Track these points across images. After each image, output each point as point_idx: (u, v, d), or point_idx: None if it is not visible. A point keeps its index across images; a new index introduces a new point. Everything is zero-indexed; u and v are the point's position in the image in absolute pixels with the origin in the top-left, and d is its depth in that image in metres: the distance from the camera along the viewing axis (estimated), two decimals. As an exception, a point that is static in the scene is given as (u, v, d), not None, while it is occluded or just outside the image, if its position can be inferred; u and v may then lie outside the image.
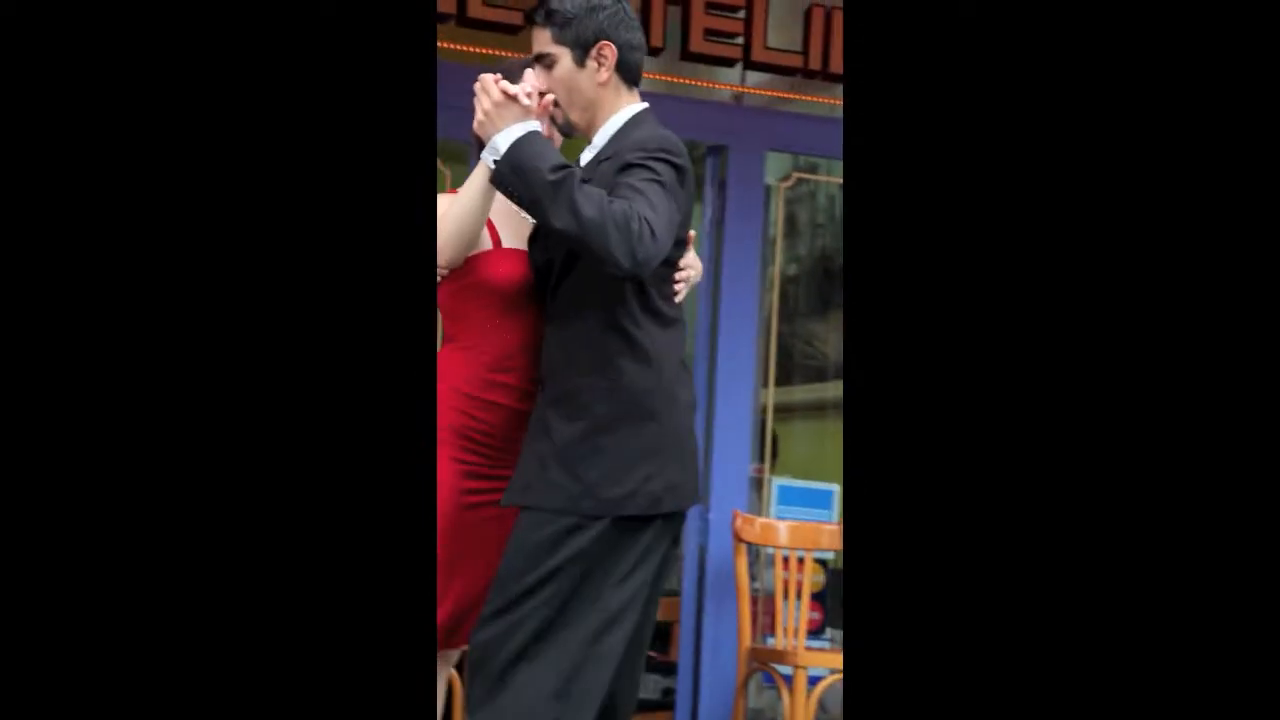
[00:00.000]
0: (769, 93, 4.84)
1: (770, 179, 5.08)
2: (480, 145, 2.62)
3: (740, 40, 4.50)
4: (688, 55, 4.52)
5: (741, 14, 4.50)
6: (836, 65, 4.65)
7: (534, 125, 2.46)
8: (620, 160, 2.52)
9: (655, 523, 2.56)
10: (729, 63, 4.55)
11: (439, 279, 2.71)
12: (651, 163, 2.48)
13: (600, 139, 2.64)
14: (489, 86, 2.47)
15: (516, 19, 4.26)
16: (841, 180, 5.61)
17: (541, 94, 2.58)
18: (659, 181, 2.49)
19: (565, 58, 2.58)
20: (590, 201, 2.39)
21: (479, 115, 2.49)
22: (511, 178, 2.44)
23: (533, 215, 2.49)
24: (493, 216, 2.69)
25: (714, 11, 4.48)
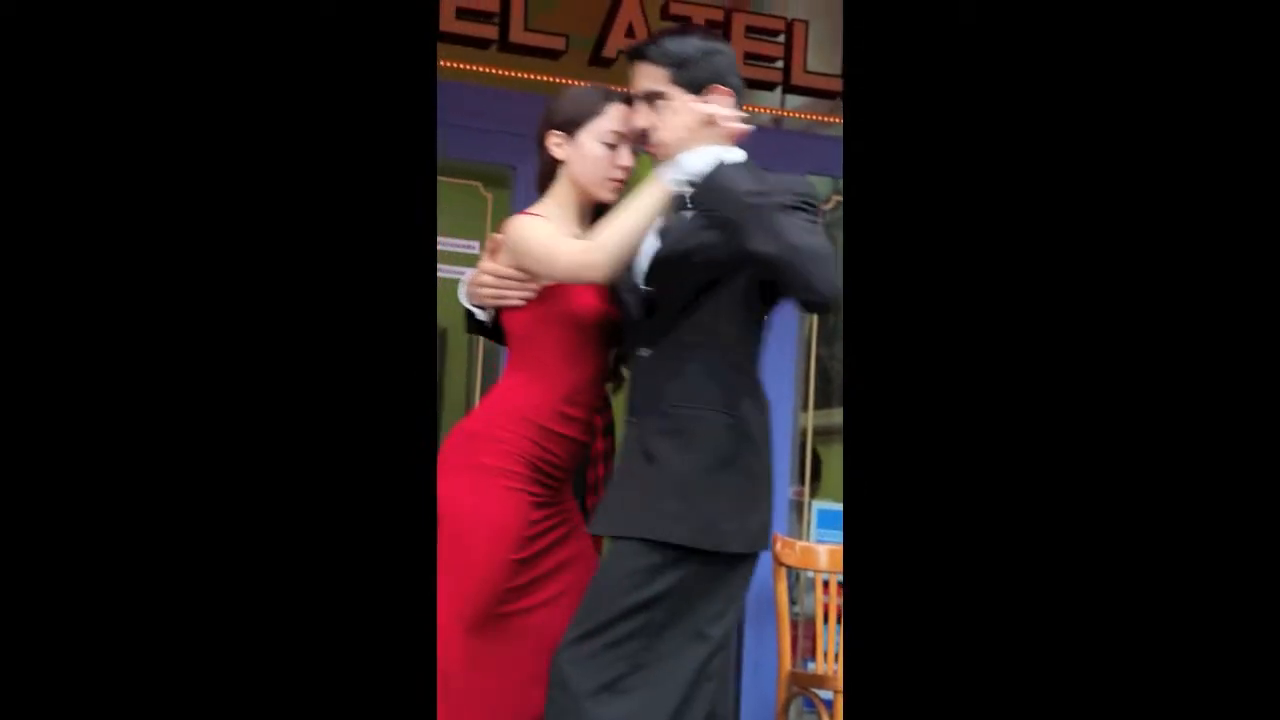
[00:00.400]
0: (809, 116, 4.83)
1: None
2: (549, 166, 2.63)
3: (780, 64, 4.48)
4: None
5: (781, 38, 4.48)
6: None
7: (737, 153, 2.47)
8: (776, 200, 2.46)
9: (751, 559, 2.58)
10: (769, 86, 4.50)
11: (519, 304, 2.65)
12: (806, 206, 2.48)
13: (689, 158, 2.60)
14: (686, 106, 2.48)
15: (558, 44, 4.28)
16: None
17: (644, 132, 2.57)
18: (817, 225, 2.51)
19: (679, 99, 2.59)
20: (793, 228, 2.37)
21: (664, 134, 2.49)
22: (712, 197, 2.42)
23: (728, 235, 2.45)
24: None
25: (754, 36, 4.46)
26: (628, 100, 2.61)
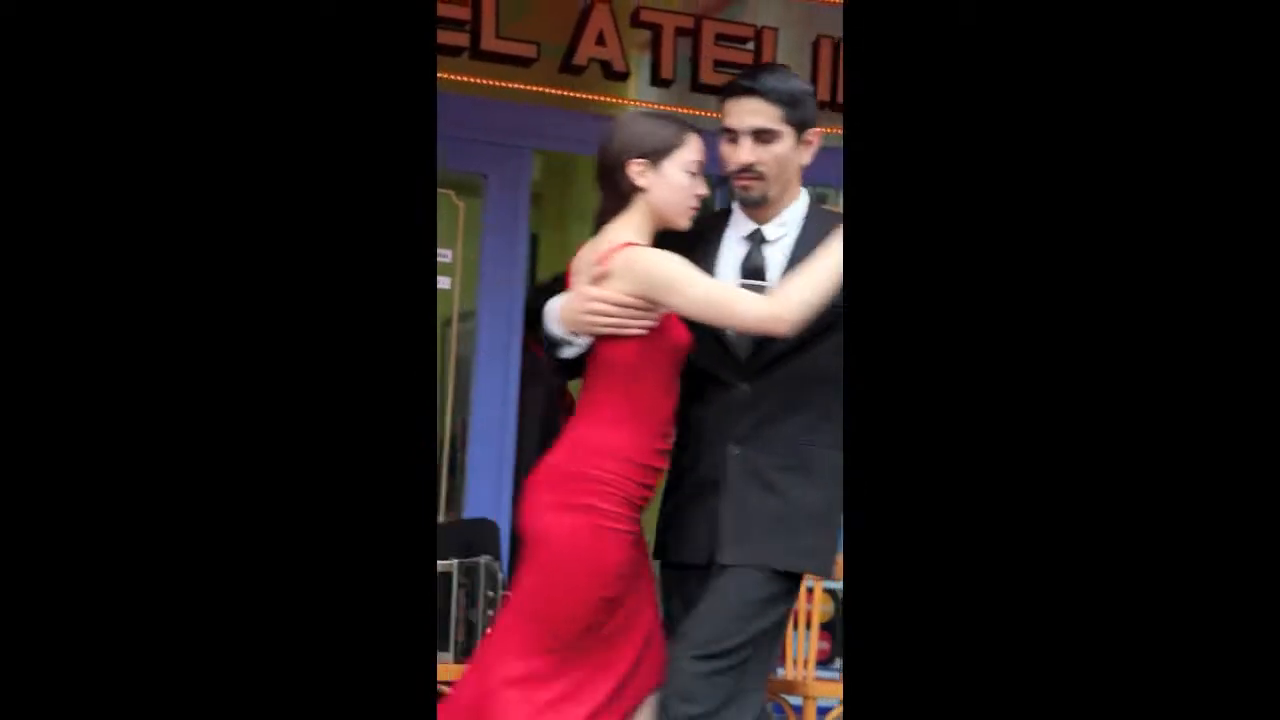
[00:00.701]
0: None
1: None
2: (624, 191, 2.61)
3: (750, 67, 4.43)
4: (698, 87, 4.51)
5: (751, 45, 4.50)
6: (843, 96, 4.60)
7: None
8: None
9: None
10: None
11: (640, 330, 2.64)
12: None
13: (791, 218, 2.67)
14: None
15: (530, 51, 4.32)
16: None
17: (749, 167, 2.60)
18: None
19: (789, 137, 2.61)
20: None
21: (770, 170, 2.56)
22: None
23: None
24: None
25: (724, 43, 4.49)
26: (730, 135, 2.62)
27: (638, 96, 5.16)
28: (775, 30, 4.54)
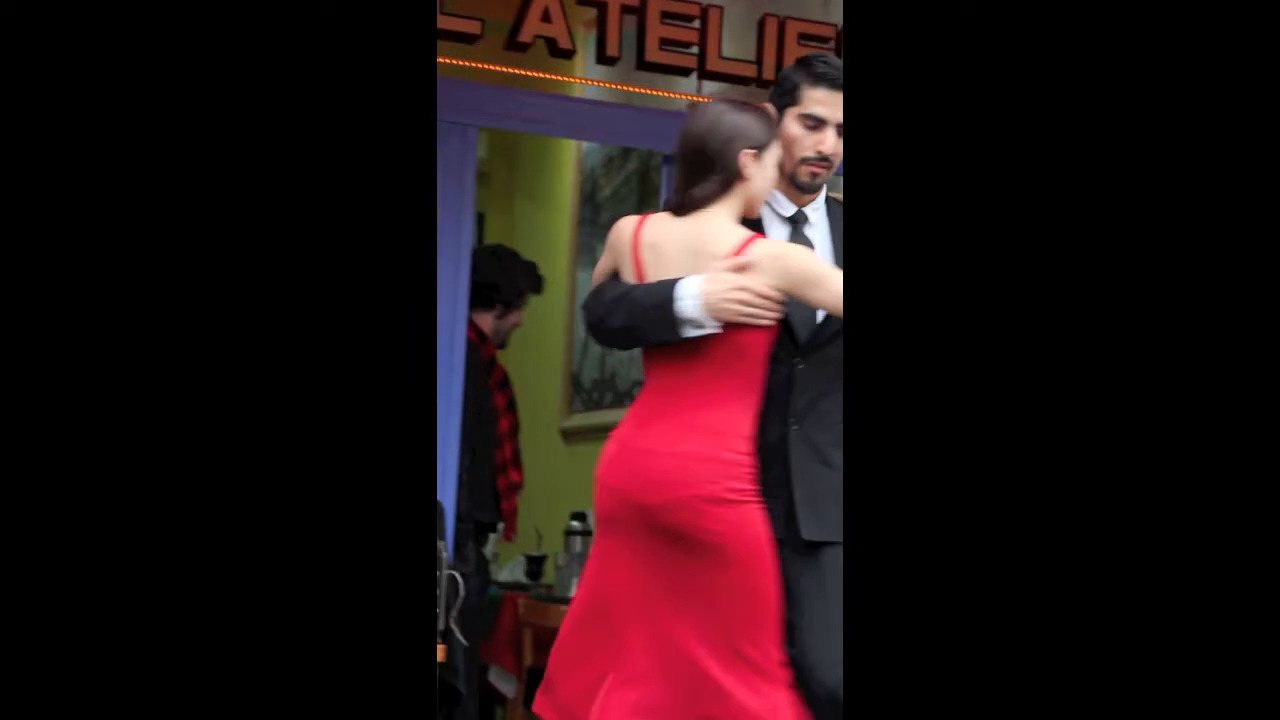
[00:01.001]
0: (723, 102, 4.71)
1: None
2: (727, 178, 2.68)
3: (695, 50, 4.50)
4: (643, 65, 4.49)
5: (696, 24, 4.49)
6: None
7: None
8: None
9: None
10: (684, 72, 4.54)
11: (766, 324, 2.69)
12: None
13: (817, 206, 2.81)
14: None
15: (474, 28, 4.28)
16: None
17: (824, 160, 2.74)
18: None
19: (832, 132, 2.74)
20: None
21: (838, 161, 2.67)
22: None
23: None
24: None
25: (669, 21, 4.46)
26: (811, 122, 2.73)
27: (583, 74, 5.20)
28: (720, 8, 4.52)
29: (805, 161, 2.77)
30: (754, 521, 2.65)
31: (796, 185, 2.80)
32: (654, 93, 4.68)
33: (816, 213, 2.83)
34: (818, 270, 2.69)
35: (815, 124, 2.76)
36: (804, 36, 4.70)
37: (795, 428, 2.77)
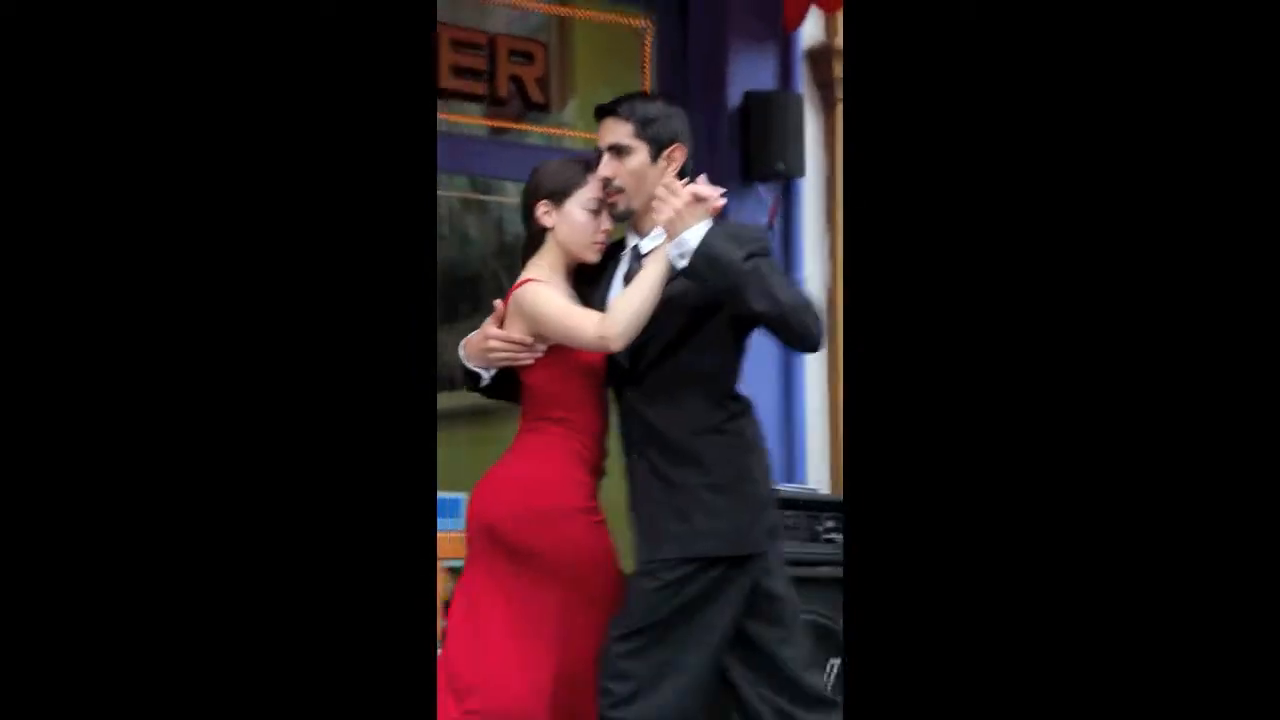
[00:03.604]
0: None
1: None
2: (537, 231, 2.89)
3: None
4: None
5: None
6: (443, 79, 4.72)
7: (710, 223, 2.73)
8: (746, 248, 2.76)
9: (761, 556, 2.87)
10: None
11: (534, 358, 2.88)
12: (766, 253, 2.82)
13: (658, 234, 2.82)
14: (677, 189, 2.73)
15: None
16: (460, 194, 5.89)
17: (607, 181, 2.82)
18: (779, 267, 2.90)
19: (642, 153, 2.81)
20: (783, 286, 2.73)
21: (667, 214, 2.72)
22: (709, 270, 2.69)
23: (728, 299, 2.74)
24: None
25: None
26: (596, 155, 2.86)
27: None
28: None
29: (604, 194, 2.90)
30: (575, 535, 2.83)
31: (613, 216, 2.90)
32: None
33: (655, 241, 2.86)
34: (540, 308, 2.80)
35: (600, 155, 2.87)
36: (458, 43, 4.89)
37: (635, 455, 2.91)
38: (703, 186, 2.81)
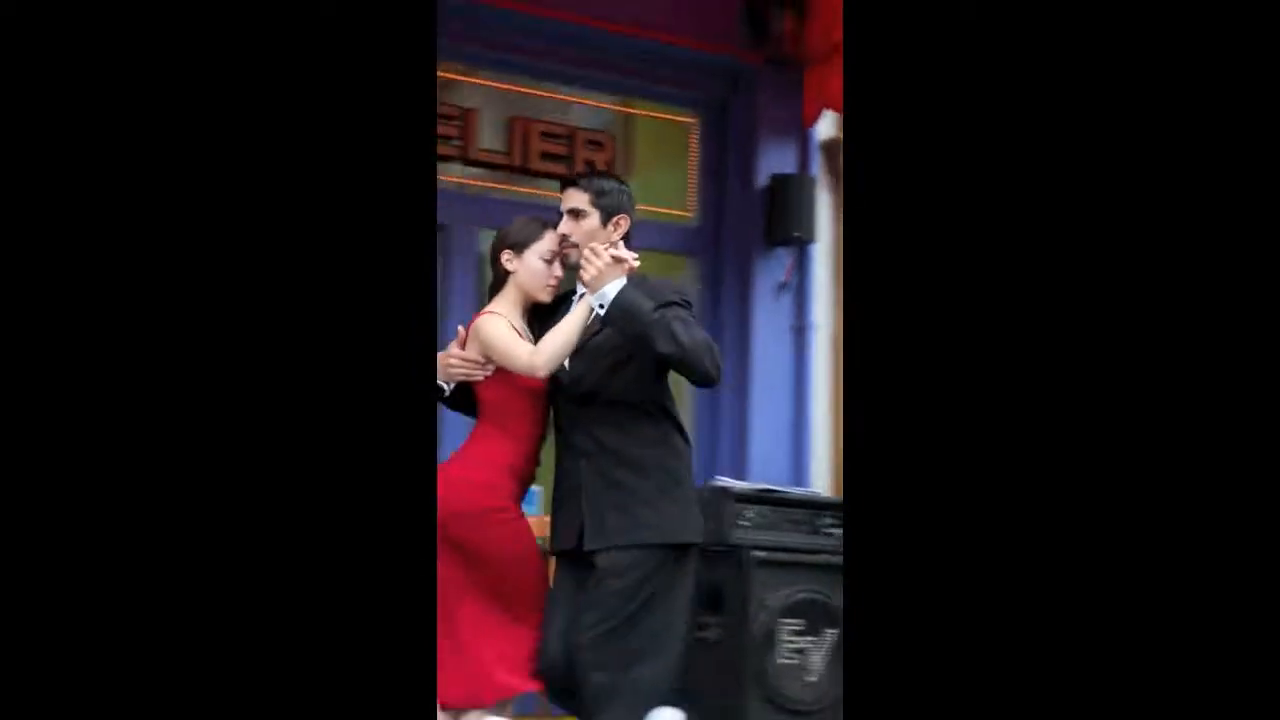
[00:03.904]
0: (482, 183, 5.31)
1: (483, 248, 5.23)
2: (500, 274, 3.18)
3: (457, 142, 5.09)
4: None
5: (457, 121, 5.09)
6: (533, 163, 5.25)
7: (624, 280, 3.00)
8: (656, 300, 3.02)
9: (696, 547, 3.18)
10: (449, 159, 5.09)
11: (484, 375, 3.14)
12: (684, 303, 3.09)
13: (611, 291, 3.02)
14: (600, 252, 3.01)
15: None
16: None
17: (565, 238, 3.11)
18: (693, 317, 3.10)
19: (594, 218, 3.15)
20: (685, 332, 2.97)
21: (592, 272, 2.99)
22: (622, 318, 2.99)
23: (637, 343, 3.00)
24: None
25: (437, 119, 4.82)
26: (558, 216, 3.14)
27: None
28: (477, 110, 5.14)
29: (561, 247, 3.16)
30: (516, 526, 3.11)
31: (568, 267, 3.16)
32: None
33: (601, 299, 3.03)
34: (489, 336, 3.09)
35: (560, 217, 3.16)
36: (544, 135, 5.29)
37: (584, 461, 3.12)
38: (622, 251, 3.05)
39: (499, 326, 3.15)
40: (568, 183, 3.28)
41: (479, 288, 5.20)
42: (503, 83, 5.37)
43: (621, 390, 3.16)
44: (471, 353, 3.16)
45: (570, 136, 5.39)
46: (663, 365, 3.13)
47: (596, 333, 3.14)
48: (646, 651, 3.06)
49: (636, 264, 3.08)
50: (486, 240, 5.22)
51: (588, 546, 3.10)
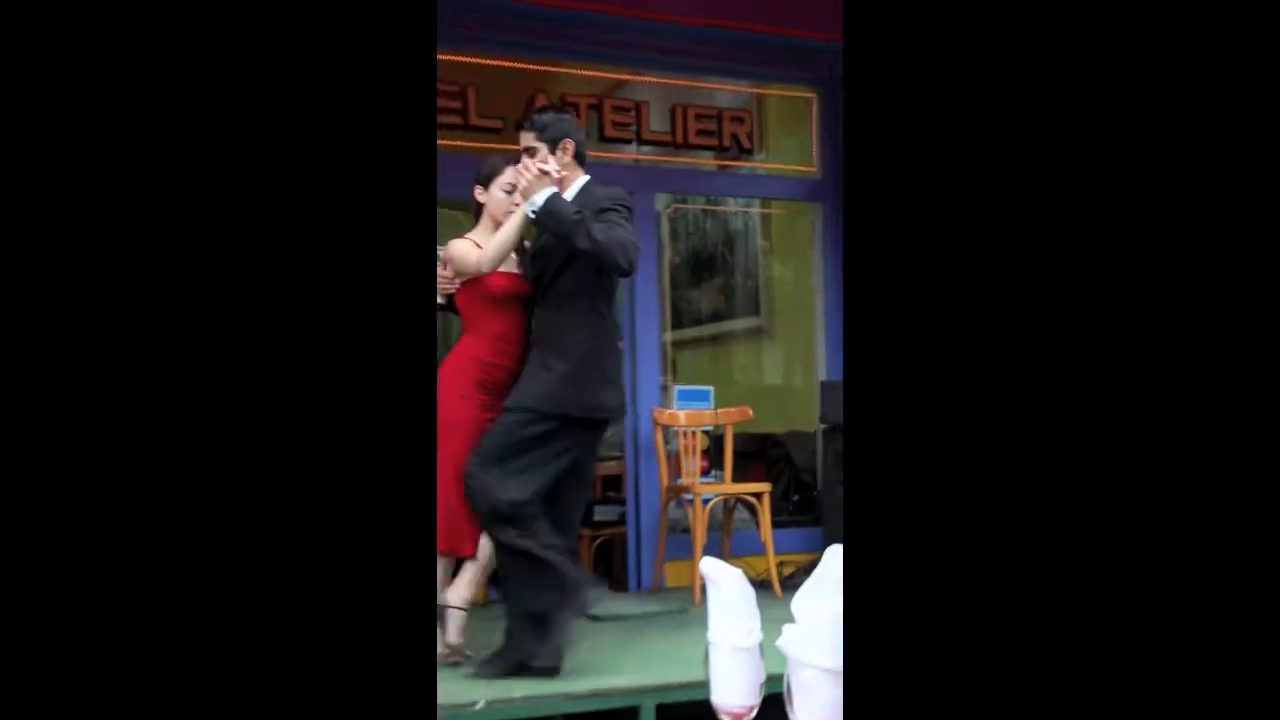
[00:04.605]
0: (654, 158, 6.02)
1: (659, 207, 6.32)
2: (478, 207, 3.65)
3: (633, 127, 5.85)
4: (602, 138, 5.78)
5: (632, 111, 5.85)
6: (691, 139, 5.96)
7: (554, 189, 3.38)
8: (595, 206, 3.38)
9: (603, 424, 3.63)
10: (628, 141, 5.85)
11: (456, 287, 3.58)
12: (618, 207, 3.46)
13: (573, 190, 3.48)
14: (530, 165, 3.40)
15: (498, 124, 5.50)
16: (700, 207, 7.19)
17: (542, 169, 3.43)
18: (625, 219, 3.45)
19: (543, 149, 3.52)
20: (600, 231, 3.34)
21: (522, 182, 3.40)
22: (549, 219, 3.41)
23: (563, 241, 3.36)
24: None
25: (616, 112, 5.84)
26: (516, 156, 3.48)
27: None
28: (647, 103, 5.92)
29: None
30: (446, 403, 3.40)
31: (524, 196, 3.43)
32: (606, 154, 5.82)
33: (570, 195, 3.40)
34: (455, 252, 3.53)
35: (520, 155, 3.49)
36: (698, 115, 6.00)
37: (534, 349, 3.54)
38: (548, 164, 3.39)
39: (461, 245, 3.60)
40: (518, 126, 3.62)
41: (657, 238, 6.27)
42: (665, 78, 6.03)
43: (565, 287, 3.49)
44: (451, 271, 3.65)
45: (718, 116, 6.07)
46: (593, 263, 3.44)
47: (546, 239, 3.52)
48: (521, 472, 3.42)
49: (557, 175, 3.43)
50: (660, 202, 6.46)
51: (507, 404, 3.52)
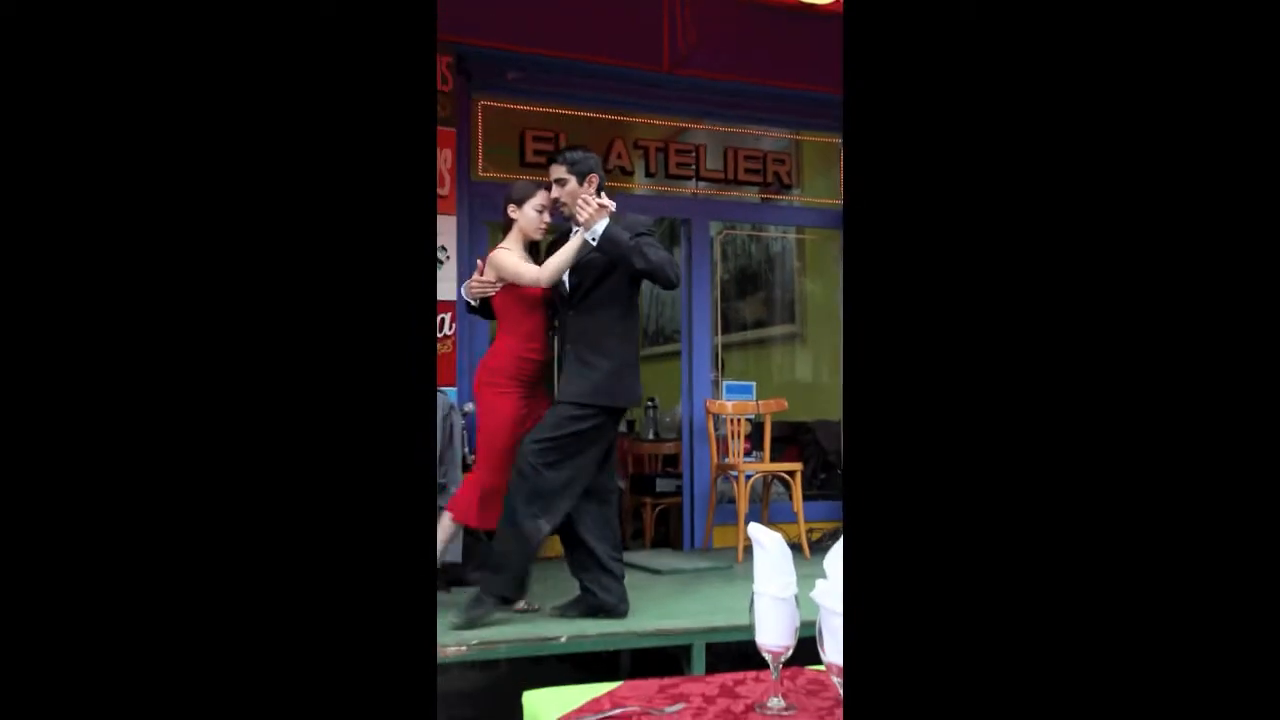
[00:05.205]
0: (709, 191, 6.54)
1: (712, 233, 6.76)
2: (509, 222, 3.86)
3: (692, 166, 6.45)
4: (668, 176, 6.37)
5: (692, 153, 6.43)
6: (740, 176, 6.50)
7: (608, 220, 3.62)
8: (633, 231, 3.65)
9: (624, 410, 3.86)
10: (689, 178, 6.42)
11: (495, 291, 3.82)
12: (650, 231, 3.75)
13: (599, 228, 3.64)
14: (591, 202, 3.63)
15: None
16: (747, 233, 7.71)
17: (556, 200, 3.76)
18: (657, 241, 3.76)
19: (572, 181, 3.80)
20: (653, 252, 3.63)
21: (582, 215, 3.62)
22: (609, 245, 3.67)
23: (620, 262, 3.64)
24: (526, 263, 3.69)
25: (679, 154, 6.46)
26: (547, 185, 3.80)
27: (638, 182, 6.57)
28: (704, 145, 6.46)
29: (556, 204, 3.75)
30: (487, 399, 3.75)
31: (566, 218, 3.71)
32: (674, 190, 6.39)
33: (578, 231, 3.64)
34: (504, 263, 3.70)
35: (551, 185, 3.77)
36: (747, 156, 6.60)
37: (569, 348, 3.75)
38: (605, 200, 3.62)
39: (510, 256, 3.81)
40: (550, 160, 3.86)
41: (710, 258, 6.75)
42: (720, 126, 6.59)
43: (601, 297, 3.76)
44: (490, 276, 3.86)
45: (763, 158, 6.63)
46: (636, 277, 3.75)
47: (589, 256, 3.76)
48: (566, 465, 3.67)
49: (613, 208, 3.67)
50: (714, 228, 7.02)
51: (558, 398, 3.77)
